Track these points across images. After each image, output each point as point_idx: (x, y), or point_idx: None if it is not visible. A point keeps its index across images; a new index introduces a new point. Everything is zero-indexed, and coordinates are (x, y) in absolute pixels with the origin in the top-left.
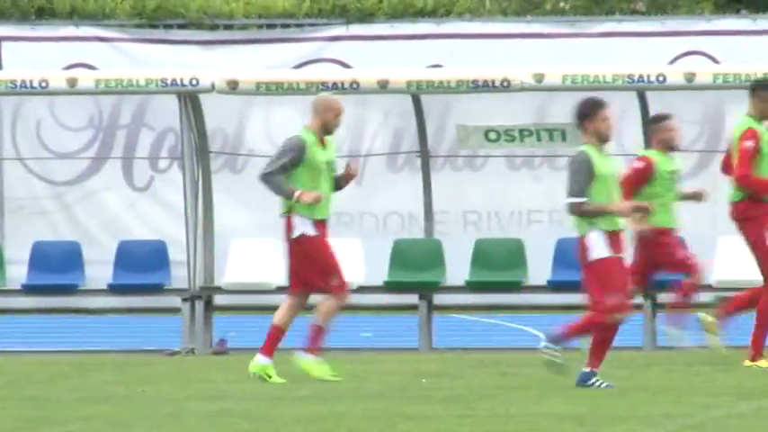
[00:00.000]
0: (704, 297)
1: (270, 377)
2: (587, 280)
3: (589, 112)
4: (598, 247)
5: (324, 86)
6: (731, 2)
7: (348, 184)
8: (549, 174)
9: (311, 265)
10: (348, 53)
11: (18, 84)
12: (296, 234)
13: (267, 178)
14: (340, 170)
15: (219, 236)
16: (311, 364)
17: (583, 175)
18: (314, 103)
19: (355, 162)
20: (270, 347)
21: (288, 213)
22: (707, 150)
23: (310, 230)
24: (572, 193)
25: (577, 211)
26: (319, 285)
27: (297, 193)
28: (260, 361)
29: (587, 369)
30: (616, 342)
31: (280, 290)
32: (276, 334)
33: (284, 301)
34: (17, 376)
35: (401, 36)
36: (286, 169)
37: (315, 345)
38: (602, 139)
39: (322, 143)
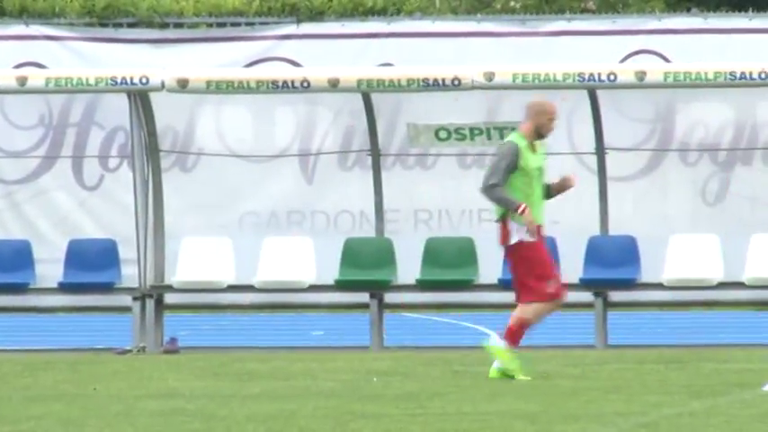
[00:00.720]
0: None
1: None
2: None
3: None
4: None
5: (274, 85)
6: (682, 0)
7: (559, 194)
8: None
9: (529, 271)
10: (298, 52)
11: None
12: (513, 241)
13: (491, 190)
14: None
15: (170, 234)
16: (503, 350)
17: None
18: (527, 106)
19: (574, 176)
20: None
21: (503, 219)
22: (658, 149)
23: (526, 236)
24: None
25: None
26: (532, 292)
27: (521, 208)
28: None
29: None
30: (568, 340)
31: (231, 288)
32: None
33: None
34: None
35: (351, 35)
36: (505, 175)
37: (516, 336)
38: None
39: (533, 148)
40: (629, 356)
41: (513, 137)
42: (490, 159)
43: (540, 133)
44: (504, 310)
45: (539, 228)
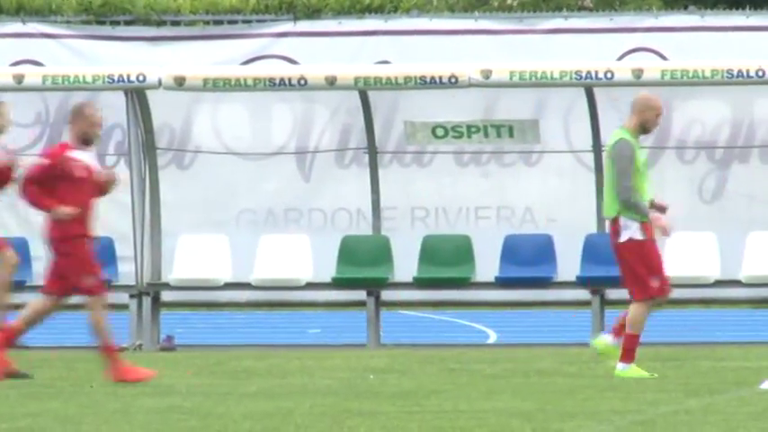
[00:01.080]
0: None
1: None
2: None
3: None
4: None
5: (271, 83)
6: None
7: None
8: (496, 170)
9: (636, 268)
10: (295, 49)
11: None
12: (623, 239)
13: (633, 199)
14: None
15: (166, 232)
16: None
17: None
18: (633, 102)
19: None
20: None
21: (617, 215)
22: (655, 147)
23: (638, 234)
24: None
25: None
26: (639, 289)
27: (652, 216)
28: (604, 339)
29: None
30: (564, 338)
31: (228, 286)
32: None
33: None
34: None
35: (348, 32)
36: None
37: (629, 353)
38: None
39: (638, 143)
40: None
41: (623, 134)
42: (617, 165)
43: (645, 128)
44: (501, 308)
45: (647, 224)
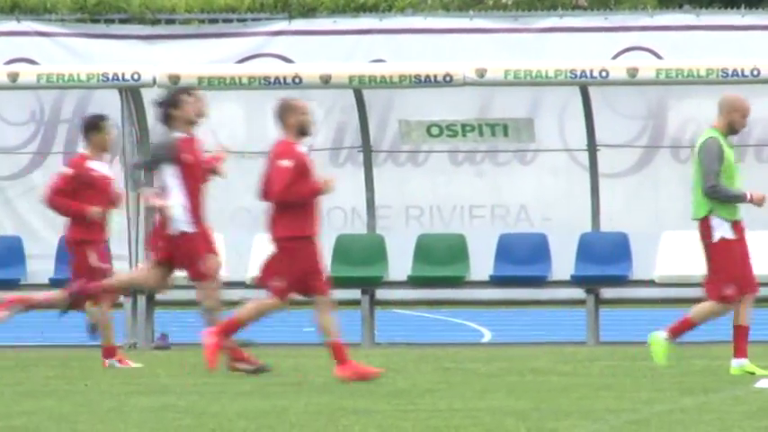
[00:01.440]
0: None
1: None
2: None
3: None
4: None
5: (266, 81)
6: None
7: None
8: (491, 169)
9: (718, 269)
10: (290, 48)
11: None
12: (716, 238)
13: (716, 191)
14: None
15: None
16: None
17: None
18: (720, 102)
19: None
20: (741, 348)
21: (707, 216)
22: (650, 146)
23: (729, 234)
24: None
25: None
26: (711, 291)
27: (749, 196)
28: (736, 364)
29: None
30: (559, 337)
31: (222, 285)
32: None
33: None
34: None
35: (343, 31)
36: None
37: (677, 331)
38: None
39: (728, 142)
40: (621, 353)
41: (711, 133)
42: (704, 163)
43: (733, 129)
44: (495, 307)
45: (738, 224)
